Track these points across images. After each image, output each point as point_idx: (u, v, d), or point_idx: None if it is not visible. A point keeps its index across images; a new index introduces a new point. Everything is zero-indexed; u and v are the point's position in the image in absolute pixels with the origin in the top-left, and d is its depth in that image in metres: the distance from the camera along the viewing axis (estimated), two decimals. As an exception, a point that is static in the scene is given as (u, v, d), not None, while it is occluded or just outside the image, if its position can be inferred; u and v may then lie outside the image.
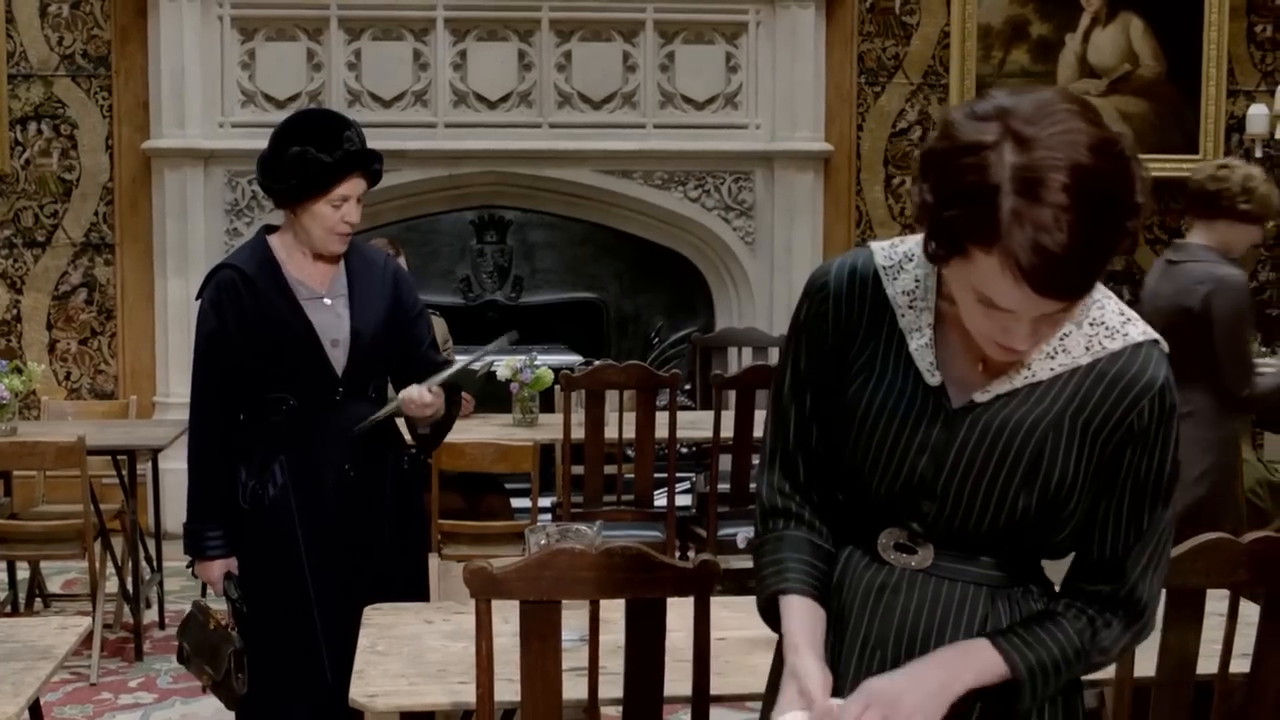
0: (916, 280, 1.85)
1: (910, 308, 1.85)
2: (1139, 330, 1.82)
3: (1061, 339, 1.80)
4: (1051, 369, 1.80)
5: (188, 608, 3.70)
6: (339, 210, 3.49)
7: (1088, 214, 1.58)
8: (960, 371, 1.83)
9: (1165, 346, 1.83)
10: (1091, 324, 1.81)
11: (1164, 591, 2.54)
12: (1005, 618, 1.85)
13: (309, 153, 3.44)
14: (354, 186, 3.51)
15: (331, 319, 3.54)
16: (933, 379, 1.83)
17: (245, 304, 3.50)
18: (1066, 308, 1.67)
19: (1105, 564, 1.84)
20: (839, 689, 1.85)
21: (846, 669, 1.89)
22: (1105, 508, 1.83)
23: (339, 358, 3.52)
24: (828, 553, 1.94)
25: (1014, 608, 1.86)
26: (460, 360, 3.64)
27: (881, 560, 1.90)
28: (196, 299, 3.62)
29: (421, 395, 3.50)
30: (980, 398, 1.81)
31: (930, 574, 1.87)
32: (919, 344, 1.84)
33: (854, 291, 1.88)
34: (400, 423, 3.72)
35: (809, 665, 1.83)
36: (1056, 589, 1.92)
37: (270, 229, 3.64)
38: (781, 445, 1.96)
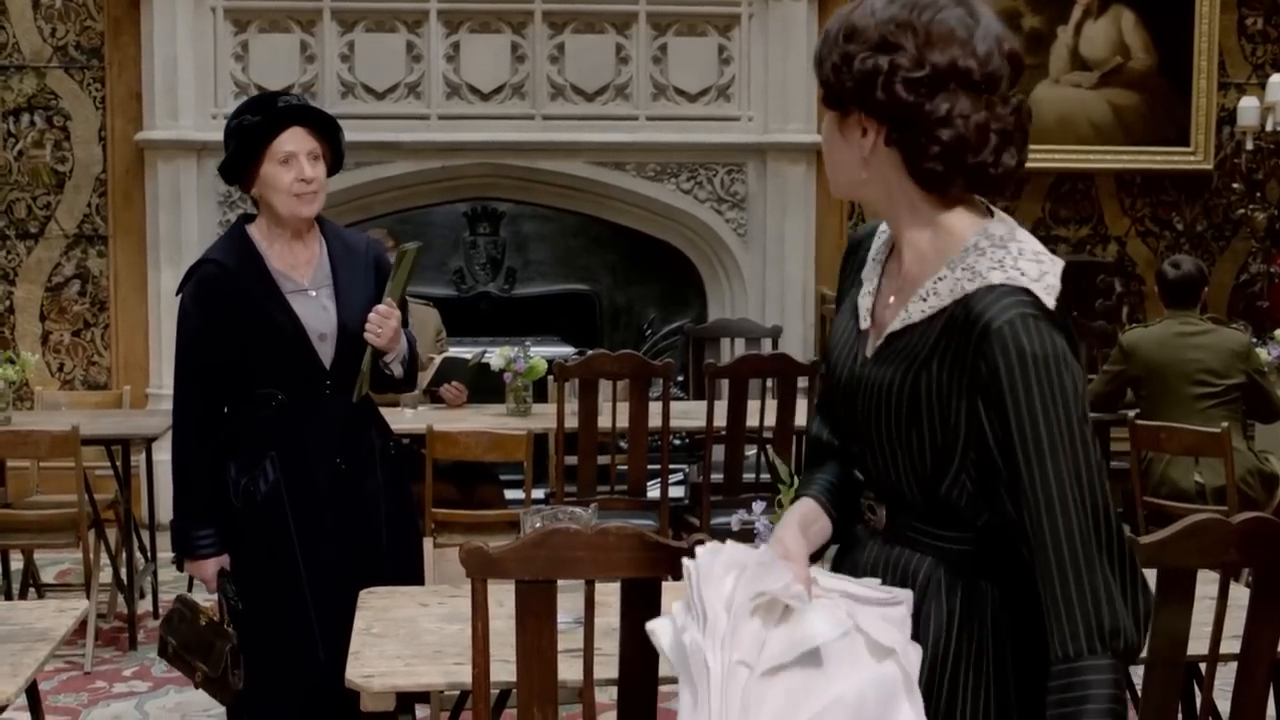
0: (886, 238, 1.99)
1: (873, 260, 1.99)
2: (1002, 275, 1.77)
3: (936, 282, 1.82)
4: (923, 311, 1.83)
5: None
6: (290, 168, 3.43)
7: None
8: (880, 318, 1.92)
9: (1043, 295, 1.75)
10: (965, 268, 1.80)
11: (1155, 572, 2.57)
12: (945, 589, 1.86)
13: (245, 120, 3.45)
14: (297, 140, 3.45)
15: (317, 311, 3.51)
16: (863, 323, 1.94)
17: (229, 299, 3.46)
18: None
19: (1028, 547, 1.75)
20: None
21: None
22: (1008, 475, 1.76)
23: (327, 351, 3.50)
24: (856, 481, 2.03)
25: (956, 580, 1.86)
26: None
27: (866, 521, 2.00)
28: (177, 294, 3.58)
29: (376, 310, 3.45)
30: (877, 342, 1.90)
31: (887, 537, 1.94)
32: (865, 291, 1.97)
33: (857, 247, 2.05)
34: (386, 413, 3.73)
35: (791, 534, 1.94)
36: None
37: (248, 218, 3.62)
38: (824, 391, 2.12)
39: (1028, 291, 1.75)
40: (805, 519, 1.99)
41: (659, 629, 1.91)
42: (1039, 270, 1.78)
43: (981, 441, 1.79)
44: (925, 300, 1.82)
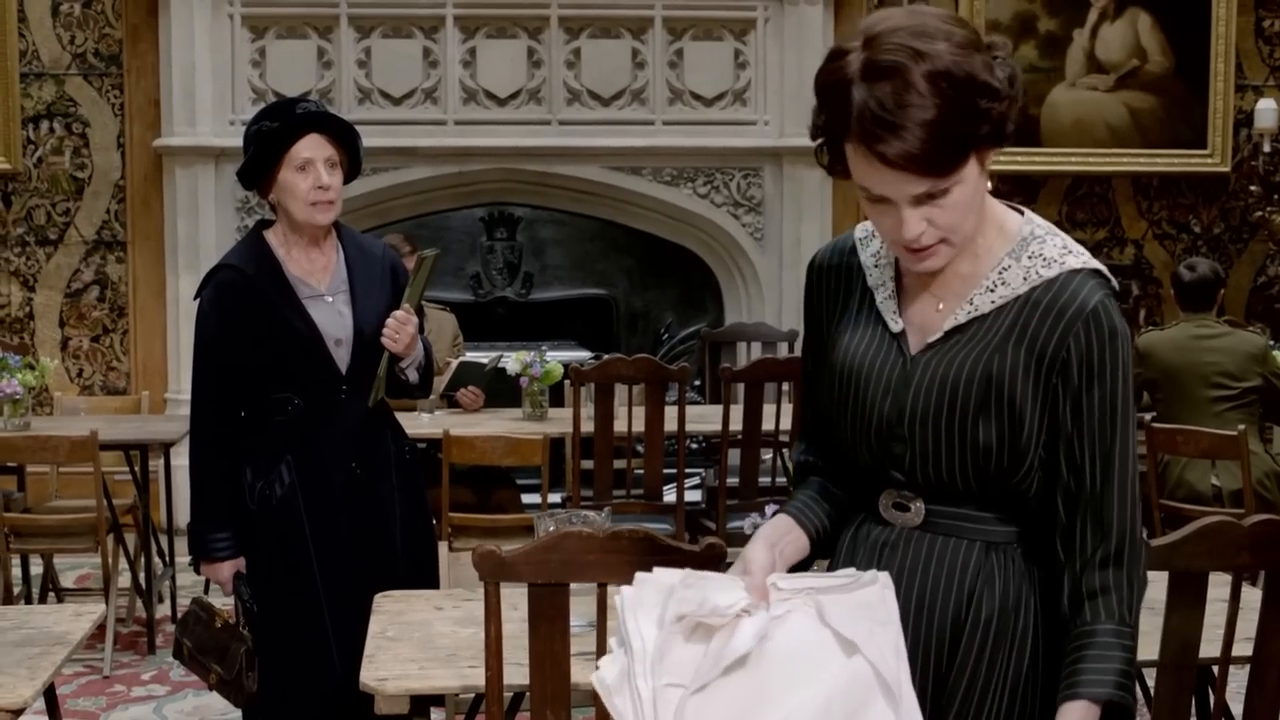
0: (883, 243, 1.98)
1: (876, 267, 1.99)
2: (1078, 260, 1.88)
3: (1001, 273, 1.88)
4: (992, 301, 1.88)
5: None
6: (307, 175, 3.45)
7: (924, 88, 1.72)
8: (921, 319, 1.93)
9: (1110, 277, 1.89)
10: (1030, 257, 1.88)
11: (1167, 575, 2.58)
12: (999, 573, 1.89)
13: (263, 126, 3.47)
14: (315, 147, 3.46)
15: (334, 317, 3.53)
16: (895, 325, 1.94)
17: (247, 305, 3.48)
18: (935, 183, 1.76)
19: (1084, 516, 1.86)
20: None
21: None
22: (1069, 447, 1.86)
23: (343, 356, 3.52)
24: (838, 498, 2.04)
25: (1009, 563, 1.90)
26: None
27: (886, 522, 1.97)
28: (194, 299, 3.60)
29: (395, 316, 3.48)
30: (932, 338, 1.91)
31: (925, 531, 1.93)
32: (883, 297, 1.97)
33: (834, 261, 2.04)
34: (403, 417, 3.73)
35: (756, 551, 1.90)
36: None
37: (265, 224, 3.64)
38: (806, 413, 2.12)
39: (1104, 275, 1.88)
40: (775, 532, 1.96)
41: (598, 675, 1.83)
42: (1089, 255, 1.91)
43: (1052, 419, 1.86)
44: (994, 290, 1.88)
